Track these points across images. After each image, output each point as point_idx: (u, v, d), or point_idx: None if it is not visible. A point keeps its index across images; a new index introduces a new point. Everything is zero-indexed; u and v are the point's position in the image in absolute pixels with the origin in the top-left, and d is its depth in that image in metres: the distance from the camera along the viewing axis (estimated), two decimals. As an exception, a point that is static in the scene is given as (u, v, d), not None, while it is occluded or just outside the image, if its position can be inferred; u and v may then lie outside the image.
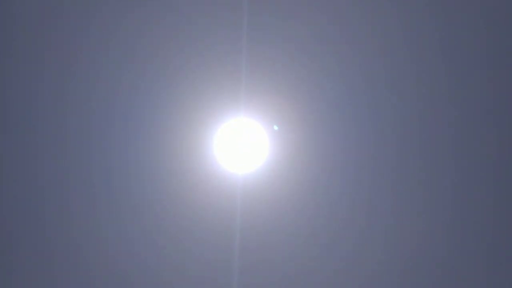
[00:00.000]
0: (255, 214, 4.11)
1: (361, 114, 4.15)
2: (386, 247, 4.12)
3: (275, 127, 4.14)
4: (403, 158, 4.15)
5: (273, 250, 4.12)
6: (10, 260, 4.08)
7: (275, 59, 4.15)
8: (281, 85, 4.15)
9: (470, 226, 4.13)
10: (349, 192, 4.13)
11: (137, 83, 4.15)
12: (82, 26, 4.16)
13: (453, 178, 4.15)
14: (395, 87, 4.16)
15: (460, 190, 4.14)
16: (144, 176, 4.12)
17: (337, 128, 4.15)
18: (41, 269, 4.09)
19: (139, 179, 4.12)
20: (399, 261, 4.11)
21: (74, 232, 4.11)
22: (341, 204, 4.13)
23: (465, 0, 4.17)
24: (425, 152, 4.15)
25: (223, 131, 4.16)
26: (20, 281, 4.08)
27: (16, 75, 4.16)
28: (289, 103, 4.15)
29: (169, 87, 4.14)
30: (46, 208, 4.12)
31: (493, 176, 4.14)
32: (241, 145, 4.17)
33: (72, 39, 4.16)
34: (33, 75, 4.16)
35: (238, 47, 4.14)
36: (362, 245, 4.11)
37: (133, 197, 4.12)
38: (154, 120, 4.14)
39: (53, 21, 4.17)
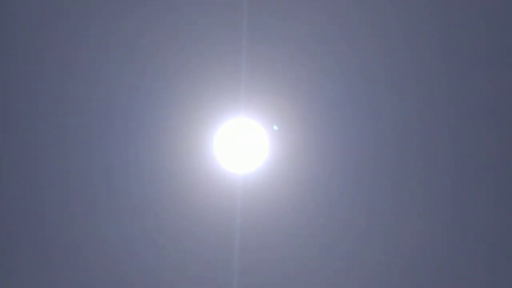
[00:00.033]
0: (255, 214, 4.11)
1: (361, 114, 4.15)
2: (386, 247, 4.12)
3: (275, 127, 4.14)
4: (403, 158, 4.15)
5: (273, 250, 4.12)
6: (10, 260, 4.08)
7: (275, 59, 4.15)
8: (281, 85, 4.15)
9: (470, 226, 4.13)
10: (349, 192, 4.13)
11: (137, 83, 4.15)
12: (82, 26, 4.16)
13: (453, 178, 4.15)
14: (395, 87, 4.16)
15: (460, 190, 4.14)
16: (144, 176, 4.12)
17: (337, 128, 4.15)
18: (41, 269, 4.09)
19: (139, 179, 4.12)
20: (399, 261, 4.11)
21: (74, 232, 4.11)
22: (341, 204, 4.13)
23: (465, 0, 4.17)
24: (425, 152, 4.15)
25: (223, 131, 4.16)
26: (20, 281, 4.08)
27: (16, 75, 4.16)
28: (289, 103, 4.15)
29: (169, 87, 4.14)
30: (46, 208, 4.12)
31: (493, 176, 4.14)
32: (241, 145, 4.17)
33: (72, 39, 4.17)
34: (33, 75, 4.16)
35: (238, 47, 4.14)
36: (362, 245, 4.11)
37: (133, 197, 4.12)
38: (154, 120, 4.14)
39: (53, 21, 4.17)
